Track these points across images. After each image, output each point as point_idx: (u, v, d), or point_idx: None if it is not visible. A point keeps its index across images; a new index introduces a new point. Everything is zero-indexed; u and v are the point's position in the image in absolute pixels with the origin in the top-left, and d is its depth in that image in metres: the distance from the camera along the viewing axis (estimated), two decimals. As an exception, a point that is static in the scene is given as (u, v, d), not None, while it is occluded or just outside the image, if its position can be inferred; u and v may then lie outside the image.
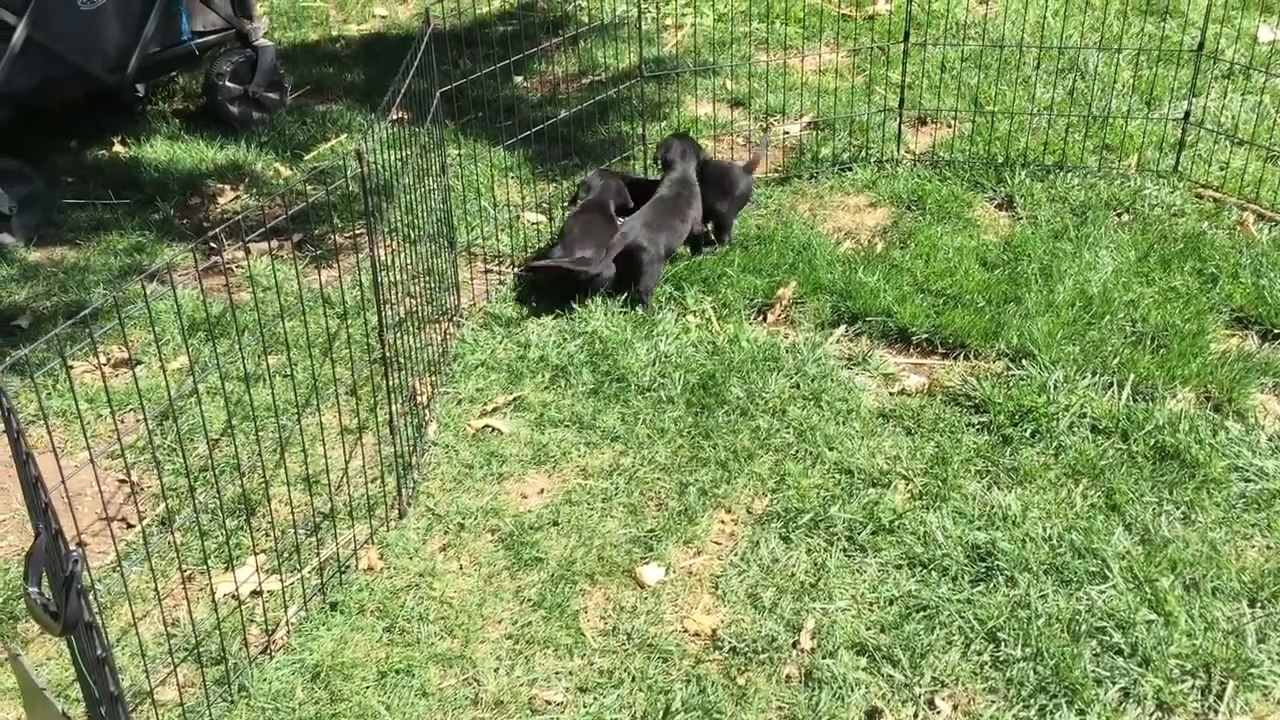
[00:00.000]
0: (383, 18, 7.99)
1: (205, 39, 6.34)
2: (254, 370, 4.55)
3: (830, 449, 4.02)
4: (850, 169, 5.68)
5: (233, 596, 3.59)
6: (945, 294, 4.71)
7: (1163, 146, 5.63)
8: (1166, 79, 6.04)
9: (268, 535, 3.83)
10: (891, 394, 4.30)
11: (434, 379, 4.40)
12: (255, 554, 3.69)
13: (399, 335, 3.93)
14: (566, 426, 4.22)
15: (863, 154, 5.78)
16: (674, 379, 4.37)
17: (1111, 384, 4.18)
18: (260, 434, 4.17)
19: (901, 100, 5.78)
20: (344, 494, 3.89)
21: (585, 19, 7.54)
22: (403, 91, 3.89)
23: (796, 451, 4.03)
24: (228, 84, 6.44)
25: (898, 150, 5.77)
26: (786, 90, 6.29)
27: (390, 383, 3.76)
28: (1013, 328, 4.47)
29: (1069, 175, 5.50)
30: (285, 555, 3.76)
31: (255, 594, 3.61)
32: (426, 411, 4.28)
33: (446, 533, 3.83)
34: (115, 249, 5.36)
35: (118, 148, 6.30)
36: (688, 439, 4.12)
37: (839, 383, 4.32)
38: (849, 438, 4.07)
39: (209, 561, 3.67)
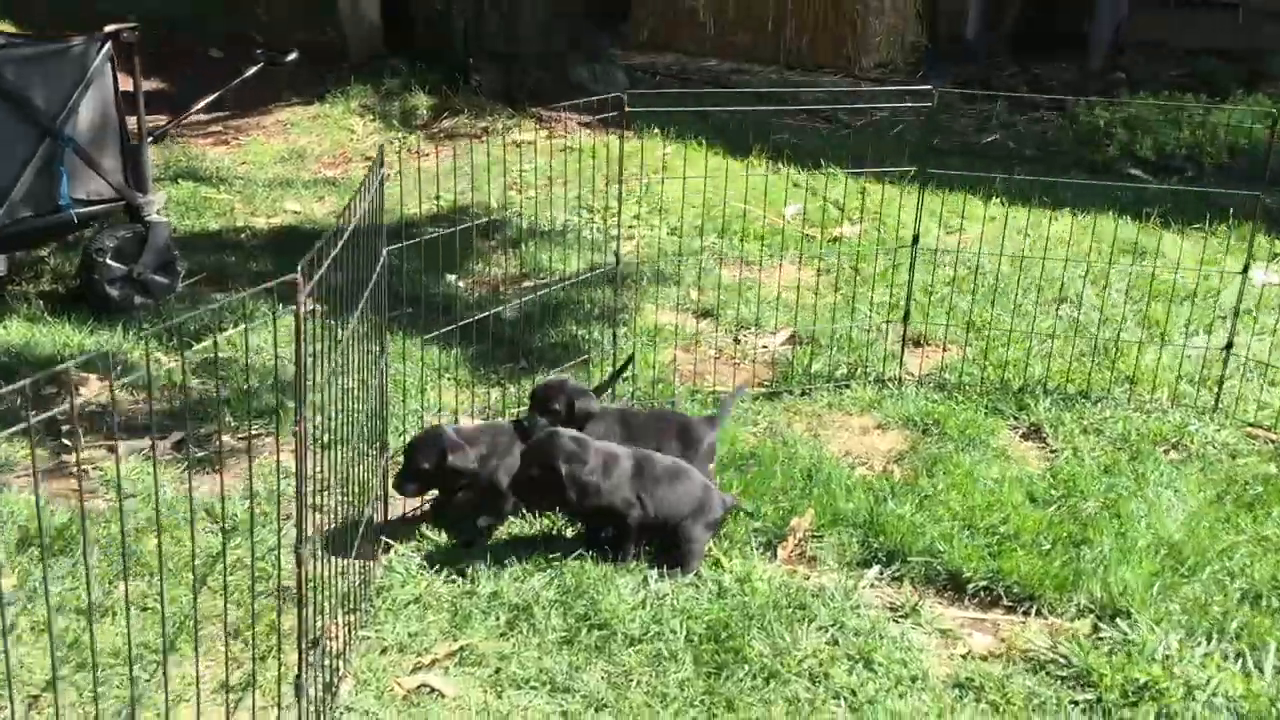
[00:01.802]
0: (295, 212, 7.14)
1: (88, 208, 5.37)
2: (101, 601, 3.37)
3: (899, 732, 2.99)
4: (848, 386, 4.87)
5: None
6: (997, 533, 3.82)
7: (1195, 381, 4.97)
8: (1174, 315, 5.48)
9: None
10: (960, 657, 3.32)
11: (351, 618, 3.28)
12: None
13: (307, 559, 2.84)
14: (533, 688, 3.12)
15: (860, 372, 4.99)
16: (673, 627, 3.33)
17: (1238, 653, 3.27)
18: (100, 689, 2.97)
19: (906, 314, 5.05)
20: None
21: (523, 224, 6.79)
22: (318, 276, 2.90)
23: (851, 732, 2.99)
24: (109, 261, 5.44)
25: (900, 369, 4.99)
26: (760, 302, 5.55)
27: (302, 616, 2.65)
28: (1092, 577, 3.57)
29: (1099, 406, 4.76)
30: None
31: None
32: (340, 663, 3.14)
33: (367, 844, 2.65)
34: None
35: (-35, 327, 5.19)
36: (702, 710, 3.05)
37: (890, 640, 3.33)
38: (920, 716, 3.05)
39: None
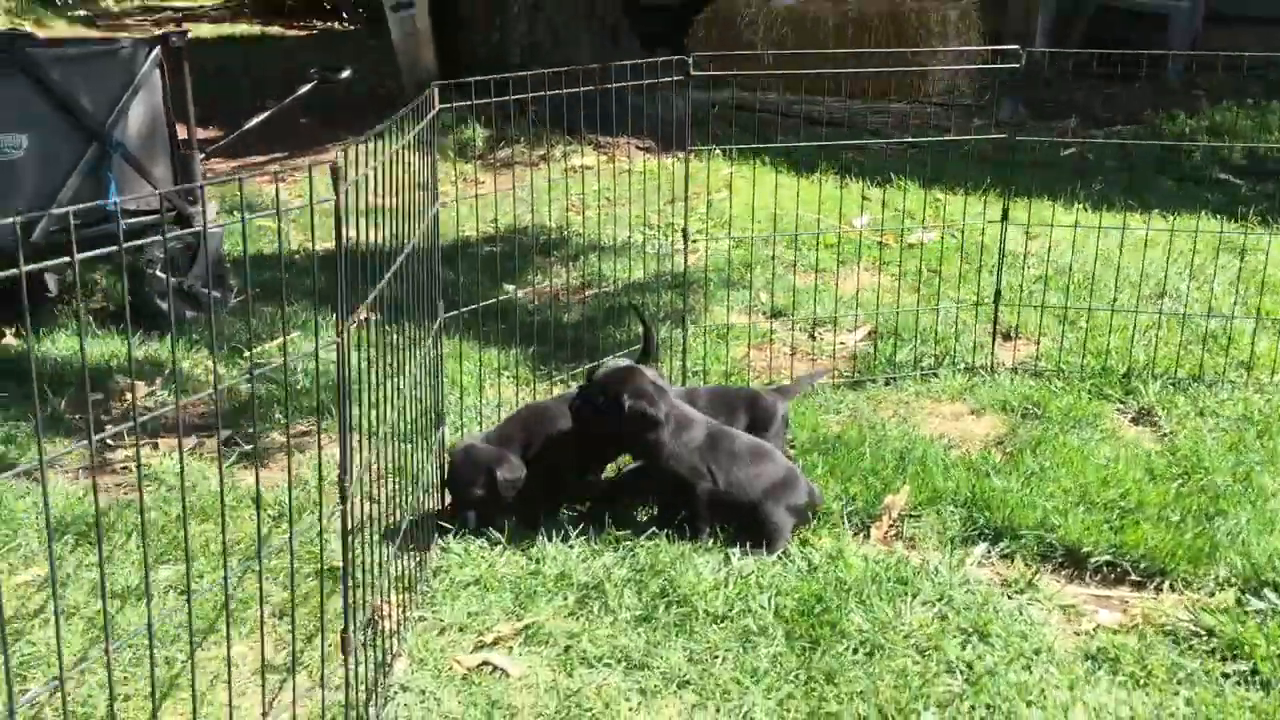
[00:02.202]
0: (350, 237, 6.95)
1: (137, 218, 5.21)
2: (135, 585, 3.10)
3: (1027, 704, 2.61)
4: (936, 375, 4.52)
5: None
6: (1118, 507, 3.43)
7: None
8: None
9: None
10: (1087, 632, 2.93)
11: (405, 597, 2.98)
12: None
13: (358, 541, 2.55)
14: (608, 666, 2.78)
15: (948, 361, 4.64)
16: (760, 603, 2.98)
17: None
18: (133, 668, 2.70)
19: (997, 293, 4.71)
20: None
21: (584, 240, 6.55)
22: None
23: (972, 708, 2.61)
24: (158, 273, 5.26)
25: (991, 358, 4.64)
26: (836, 302, 5.24)
27: (348, 558, 2.35)
28: (1230, 549, 3.18)
29: (1213, 389, 4.36)
30: None
31: None
32: (393, 642, 2.83)
33: (421, 827, 2.31)
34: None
35: (7, 339, 5.02)
36: (798, 686, 2.70)
37: (1006, 614, 2.95)
38: (1049, 689, 2.67)
39: None
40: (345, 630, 2.36)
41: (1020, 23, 10.46)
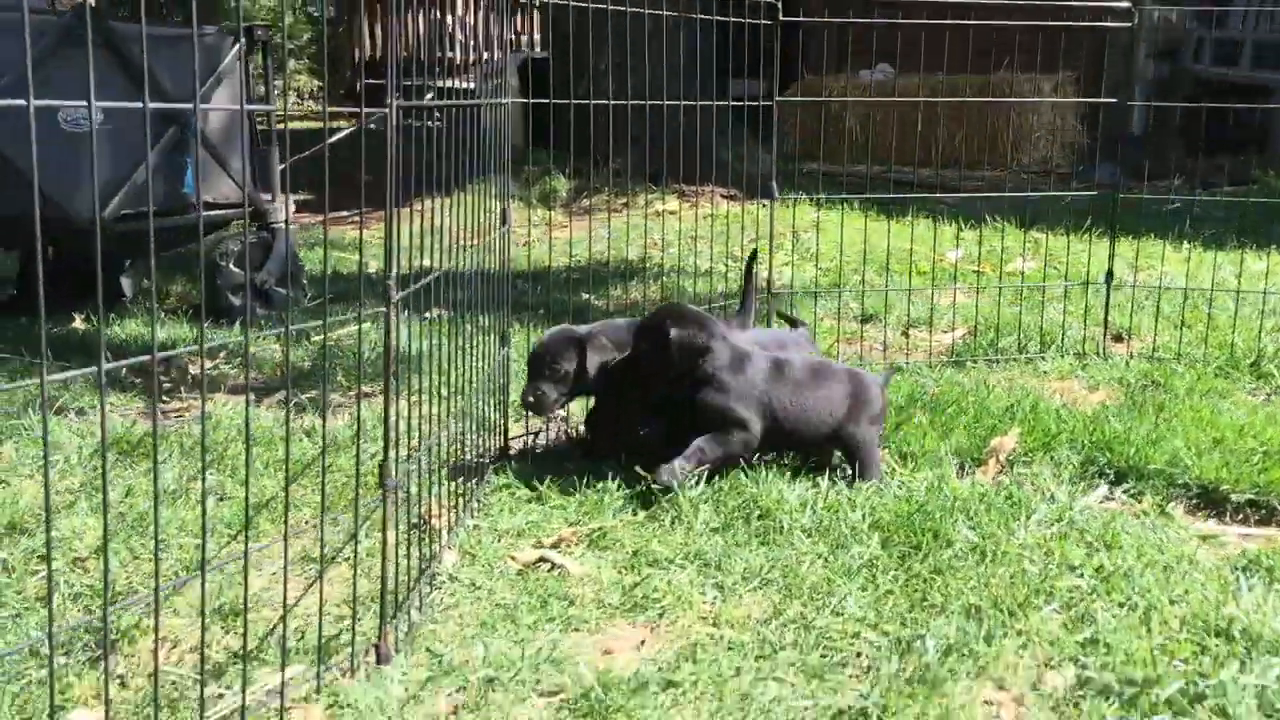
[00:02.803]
0: (427, 267, 6.85)
1: (214, 211, 5.13)
2: (175, 487, 2.88)
3: (1171, 601, 2.23)
4: (1043, 358, 4.18)
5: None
6: (1259, 453, 3.04)
7: None
8: None
9: (125, 684, 2.02)
10: (1235, 555, 2.54)
11: (460, 503, 2.70)
12: (104, 703, 1.88)
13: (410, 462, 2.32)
14: (679, 567, 2.46)
15: (1056, 346, 4.30)
16: (855, 518, 2.64)
17: None
18: (164, 554, 2.45)
19: (1109, 276, 4.38)
20: (284, 636, 2.10)
21: (664, 266, 6.36)
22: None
23: (1104, 607, 2.24)
24: (232, 268, 5.15)
25: (1103, 346, 4.29)
26: (933, 307, 4.94)
27: (395, 432, 2.10)
28: (1395, 485, 2.78)
29: (1353, 375, 3.96)
30: (137, 708, 1.93)
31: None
32: (445, 538, 2.55)
33: (462, 690, 2.00)
34: (27, 394, 3.80)
35: (77, 324, 4.93)
36: (898, 583, 2.35)
37: (1136, 532, 2.58)
38: (1195, 588, 2.28)
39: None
40: (384, 464, 2.09)
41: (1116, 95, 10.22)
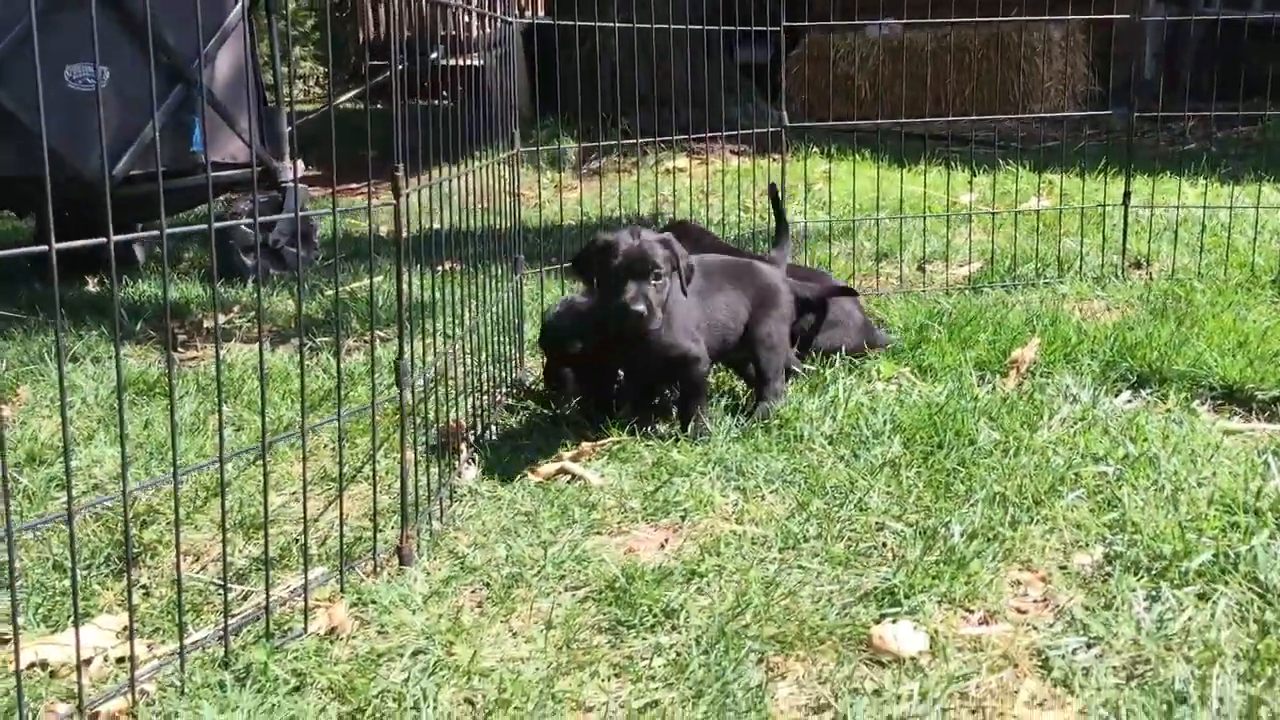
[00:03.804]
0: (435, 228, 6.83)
1: (223, 171, 5.11)
2: (194, 421, 2.87)
3: (1199, 484, 2.20)
4: (1061, 282, 4.14)
5: (40, 666, 1.75)
6: (1281, 353, 3.01)
7: None
8: None
9: (149, 593, 2.02)
10: (1260, 442, 2.51)
11: (480, 422, 2.69)
12: (127, 611, 1.88)
13: (429, 390, 2.32)
14: (700, 473, 2.44)
15: (1074, 270, 4.26)
16: (877, 422, 2.62)
17: None
18: (184, 478, 2.44)
19: (1126, 197, 4.34)
20: (306, 544, 2.09)
21: (675, 216, 6.32)
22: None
23: (1132, 489, 2.21)
24: (243, 229, 5.14)
25: (1122, 270, 4.25)
26: (949, 244, 4.89)
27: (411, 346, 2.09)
28: None
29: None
30: (162, 612, 1.93)
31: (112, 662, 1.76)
32: (466, 453, 2.54)
33: (486, 585, 1.99)
34: (43, 344, 3.80)
35: (90, 286, 4.93)
36: (922, 477, 2.33)
37: (1161, 426, 2.55)
38: (1219, 469, 2.26)
39: (19, 617, 1.86)
40: (399, 360, 2.07)
41: (1127, 43, 10.12)
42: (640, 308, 2.46)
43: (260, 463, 2.12)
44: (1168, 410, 2.73)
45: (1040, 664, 1.69)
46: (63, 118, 4.42)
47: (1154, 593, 1.85)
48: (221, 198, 5.34)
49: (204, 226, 1.80)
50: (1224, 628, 1.73)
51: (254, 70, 5.18)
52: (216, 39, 4.96)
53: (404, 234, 2.12)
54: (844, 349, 3.12)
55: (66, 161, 4.44)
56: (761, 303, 2.79)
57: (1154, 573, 1.91)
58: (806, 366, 3.06)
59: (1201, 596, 1.82)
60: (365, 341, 3.90)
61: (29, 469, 2.56)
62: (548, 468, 2.50)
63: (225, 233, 5.15)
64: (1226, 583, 1.85)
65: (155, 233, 1.77)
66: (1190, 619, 1.75)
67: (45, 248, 1.61)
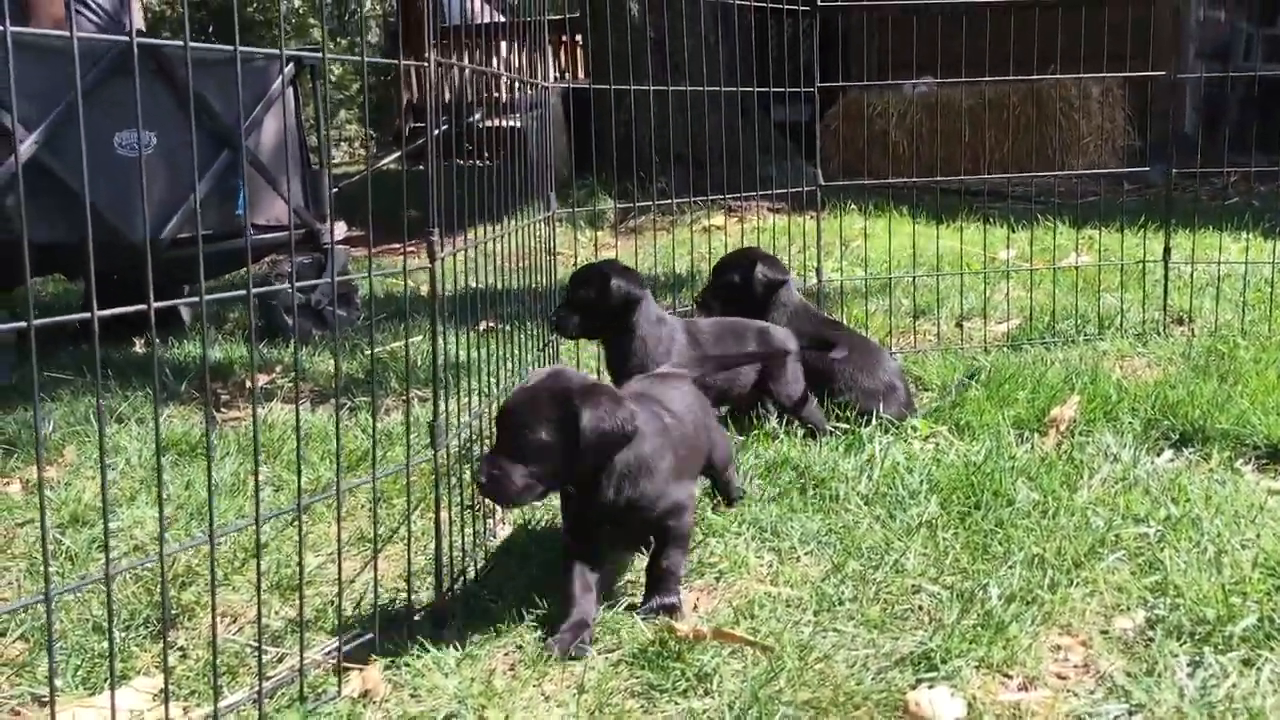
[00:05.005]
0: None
1: (267, 234, 5.20)
2: (229, 482, 2.90)
3: (1242, 545, 2.17)
4: (1102, 339, 4.11)
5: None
6: (1329, 411, 2.97)
7: None
8: None
9: (185, 655, 2.03)
10: (1308, 496, 2.47)
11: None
12: (163, 673, 1.89)
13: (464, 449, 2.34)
14: (735, 534, 2.43)
15: (1114, 327, 4.23)
16: (914, 482, 2.60)
17: None
18: (222, 539, 2.46)
19: (1166, 252, 4.31)
20: (340, 607, 2.10)
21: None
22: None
23: (1175, 551, 2.18)
24: (287, 290, 5.20)
25: (1164, 327, 4.21)
26: (986, 300, 4.87)
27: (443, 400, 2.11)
28: None
29: None
30: (198, 675, 1.94)
31: None
32: (500, 513, 2.55)
33: (519, 648, 1.99)
34: (89, 405, 3.85)
35: (137, 348, 5.01)
36: (959, 538, 2.30)
37: (1204, 486, 2.51)
38: (1263, 531, 2.22)
39: (56, 680, 1.88)
40: (434, 423, 2.09)
41: (1166, 99, 10.10)
42: (482, 479, 2.00)
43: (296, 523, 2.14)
44: (1210, 470, 2.69)
45: (1079, 731, 1.66)
46: (112, 184, 4.50)
47: (1197, 658, 1.81)
48: (266, 259, 5.42)
49: (243, 292, 1.83)
50: (1269, 695, 1.69)
51: (299, 134, 5.28)
52: (262, 105, 5.05)
53: (439, 296, 2.14)
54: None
55: (115, 226, 4.53)
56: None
57: (1197, 638, 1.87)
58: (841, 425, 3.06)
59: (1246, 662, 1.79)
60: (404, 401, 3.93)
61: (71, 530, 2.59)
62: (581, 529, 2.49)
63: (269, 294, 5.22)
64: (1272, 648, 1.81)
65: (195, 299, 1.80)
66: (1234, 686, 1.72)
67: (88, 315, 1.65)
